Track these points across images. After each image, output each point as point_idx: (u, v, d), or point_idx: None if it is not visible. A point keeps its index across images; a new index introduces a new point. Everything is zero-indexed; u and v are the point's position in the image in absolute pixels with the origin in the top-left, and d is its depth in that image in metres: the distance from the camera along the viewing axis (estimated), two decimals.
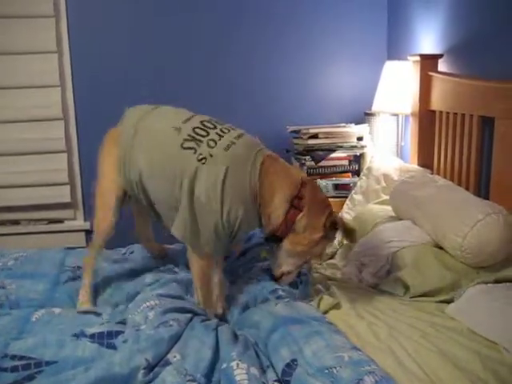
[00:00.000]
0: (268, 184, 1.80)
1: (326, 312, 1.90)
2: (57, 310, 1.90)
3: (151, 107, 2.05)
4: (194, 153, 1.80)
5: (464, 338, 1.68)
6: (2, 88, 3.22)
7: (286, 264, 1.92)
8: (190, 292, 2.00)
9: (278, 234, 1.85)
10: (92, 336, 1.68)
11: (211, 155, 1.79)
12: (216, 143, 1.82)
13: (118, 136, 2.01)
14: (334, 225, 1.87)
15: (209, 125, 1.89)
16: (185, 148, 1.82)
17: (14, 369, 1.51)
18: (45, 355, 1.57)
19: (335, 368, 1.44)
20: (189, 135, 1.85)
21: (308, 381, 1.42)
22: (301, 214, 1.81)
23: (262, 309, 1.83)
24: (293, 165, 3.21)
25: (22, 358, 1.55)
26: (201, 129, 1.87)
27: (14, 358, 1.55)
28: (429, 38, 2.98)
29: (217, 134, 1.85)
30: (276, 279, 1.96)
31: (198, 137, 1.84)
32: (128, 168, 1.96)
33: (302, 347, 1.55)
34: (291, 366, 1.50)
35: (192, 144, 1.82)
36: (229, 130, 1.89)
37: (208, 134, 1.85)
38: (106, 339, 1.67)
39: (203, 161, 1.79)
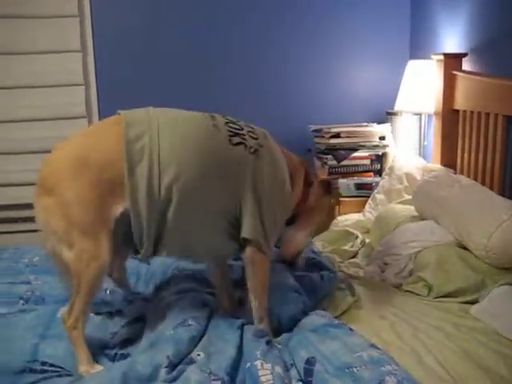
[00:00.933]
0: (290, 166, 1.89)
1: (345, 311, 1.90)
2: None
3: (148, 108, 1.77)
4: (245, 147, 1.73)
5: (488, 339, 1.67)
6: (28, 87, 3.27)
7: (298, 242, 2.01)
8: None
9: (295, 212, 1.94)
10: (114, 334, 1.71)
11: (261, 145, 1.77)
12: (255, 134, 1.79)
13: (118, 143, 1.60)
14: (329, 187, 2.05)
15: (231, 119, 1.82)
16: (235, 144, 1.72)
17: (44, 371, 1.54)
18: (74, 367, 1.58)
19: (355, 367, 1.44)
20: (229, 131, 1.74)
21: (329, 380, 1.42)
22: (312, 189, 1.95)
23: None
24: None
25: (52, 365, 1.57)
26: (232, 123, 1.79)
27: (44, 364, 1.57)
28: (452, 36, 2.95)
29: (247, 125, 1.82)
30: (290, 262, 2.05)
31: (239, 131, 1.76)
32: (157, 172, 1.61)
33: (319, 347, 1.56)
34: (310, 361, 1.50)
35: (238, 139, 1.74)
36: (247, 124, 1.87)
37: (242, 128, 1.79)
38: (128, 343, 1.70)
39: (256, 153, 1.74)
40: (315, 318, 1.77)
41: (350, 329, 1.69)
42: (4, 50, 3.23)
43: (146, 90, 3.36)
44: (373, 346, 1.55)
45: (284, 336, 1.74)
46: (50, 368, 1.55)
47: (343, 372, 1.43)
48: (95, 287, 1.62)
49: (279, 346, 1.67)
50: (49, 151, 3.36)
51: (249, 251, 1.74)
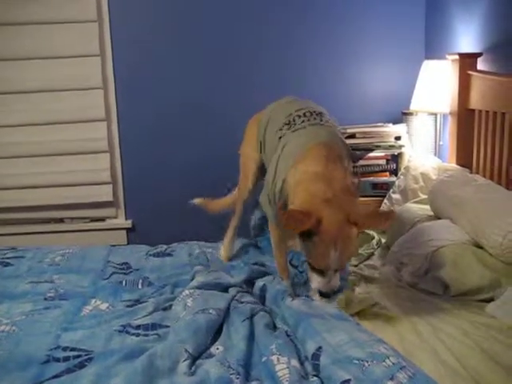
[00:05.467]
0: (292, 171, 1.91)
1: (362, 310, 1.92)
2: (103, 306, 1.97)
3: (287, 100, 2.33)
4: (280, 132, 2.09)
5: (504, 336, 1.68)
6: (48, 91, 3.34)
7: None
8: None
9: None
10: (137, 327, 1.75)
11: (284, 135, 2.06)
12: (294, 126, 2.06)
13: (259, 121, 2.33)
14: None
15: (307, 114, 2.10)
16: (280, 129, 2.10)
17: (66, 359, 1.58)
18: (94, 347, 1.64)
19: (366, 361, 1.44)
20: (288, 121, 2.10)
21: (336, 372, 1.42)
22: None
23: (286, 305, 1.88)
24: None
25: (73, 349, 1.63)
26: (298, 116, 2.09)
27: (65, 349, 1.63)
28: (467, 36, 2.96)
29: (302, 121, 2.07)
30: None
31: (292, 122, 2.08)
32: (263, 149, 2.26)
33: (325, 337, 1.58)
34: (317, 355, 1.52)
35: (286, 127, 2.09)
36: (315, 119, 2.07)
37: (299, 118, 2.08)
38: (150, 330, 1.75)
39: (279, 140, 2.07)
40: (322, 305, 1.81)
41: (357, 324, 1.71)
42: (22, 55, 3.30)
43: (164, 92, 3.42)
44: (380, 341, 1.56)
45: (291, 320, 1.76)
46: (72, 353, 1.61)
47: (351, 363, 1.44)
48: (242, 201, 2.49)
49: (289, 333, 1.71)
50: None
51: None
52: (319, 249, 1.68)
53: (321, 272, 1.75)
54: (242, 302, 1.89)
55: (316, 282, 1.77)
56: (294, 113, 2.12)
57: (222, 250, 2.51)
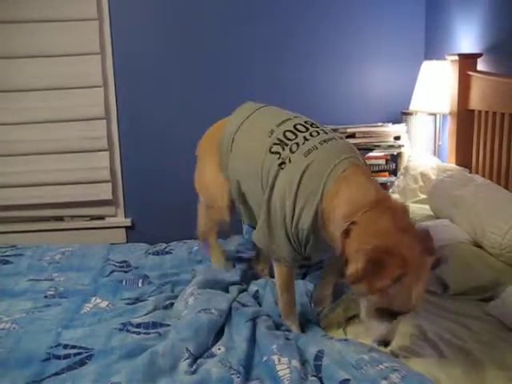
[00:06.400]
0: (332, 200, 1.61)
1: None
2: (103, 304, 1.98)
3: (255, 107, 2.04)
4: (278, 158, 1.74)
5: (504, 336, 1.68)
6: (48, 89, 3.34)
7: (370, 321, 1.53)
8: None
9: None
10: (138, 326, 1.75)
11: (290, 160, 1.72)
12: (298, 147, 1.73)
13: (218, 141, 2.03)
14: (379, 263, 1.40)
15: (301, 128, 1.81)
16: (272, 152, 1.78)
17: (66, 356, 1.59)
18: (94, 345, 1.65)
19: (365, 365, 1.47)
20: (278, 139, 1.79)
21: (337, 372, 1.46)
22: (348, 240, 1.51)
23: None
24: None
25: (73, 347, 1.64)
26: (291, 132, 1.79)
27: (66, 346, 1.64)
28: (467, 37, 2.97)
29: (304, 137, 1.76)
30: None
31: (286, 141, 1.77)
32: (227, 173, 1.99)
33: (326, 343, 1.62)
34: (319, 356, 1.54)
35: (278, 148, 1.77)
36: (318, 133, 1.78)
37: (296, 137, 1.77)
38: (151, 329, 1.75)
39: (282, 165, 1.73)
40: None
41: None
42: (22, 53, 3.30)
43: (163, 91, 3.42)
44: (375, 350, 1.57)
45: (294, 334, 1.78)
46: (72, 351, 1.62)
47: (350, 364, 1.48)
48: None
49: (290, 337, 1.71)
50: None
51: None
52: (402, 290, 1.41)
53: (389, 317, 1.49)
54: (244, 305, 1.89)
55: (379, 330, 1.51)
56: (276, 128, 1.83)
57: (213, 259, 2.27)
